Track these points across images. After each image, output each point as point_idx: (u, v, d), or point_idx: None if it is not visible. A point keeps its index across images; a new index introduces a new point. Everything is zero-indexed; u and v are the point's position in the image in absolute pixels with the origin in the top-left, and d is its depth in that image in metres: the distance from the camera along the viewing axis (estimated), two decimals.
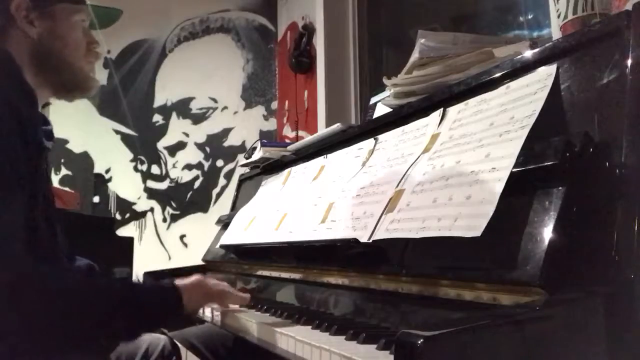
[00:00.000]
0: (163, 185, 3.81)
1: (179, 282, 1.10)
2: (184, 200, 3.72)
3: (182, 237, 3.68)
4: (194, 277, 1.14)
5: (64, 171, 3.98)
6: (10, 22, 1.08)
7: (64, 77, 1.14)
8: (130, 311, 0.98)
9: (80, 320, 0.92)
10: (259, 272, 1.52)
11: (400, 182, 1.01)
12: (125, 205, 3.86)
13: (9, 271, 0.85)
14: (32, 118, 1.03)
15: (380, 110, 1.59)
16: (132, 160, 3.89)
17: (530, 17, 1.94)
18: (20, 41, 1.08)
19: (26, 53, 1.09)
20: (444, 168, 0.92)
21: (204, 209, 3.63)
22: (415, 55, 1.23)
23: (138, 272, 1.57)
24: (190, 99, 3.77)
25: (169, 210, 3.76)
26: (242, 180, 2.14)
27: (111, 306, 0.96)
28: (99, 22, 1.27)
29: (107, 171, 3.93)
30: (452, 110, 1.03)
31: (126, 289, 1.04)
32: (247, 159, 1.98)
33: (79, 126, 3.89)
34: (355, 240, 0.99)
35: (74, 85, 1.17)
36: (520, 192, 0.76)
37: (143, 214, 3.82)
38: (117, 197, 3.89)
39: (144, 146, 3.87)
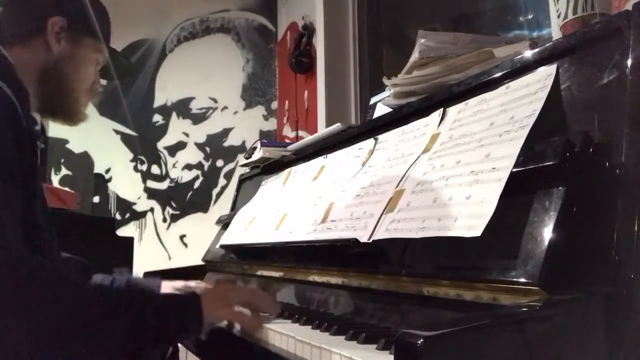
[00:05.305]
0: (163, 185, 3.80)
1: (199, 288, 1.06)
2: (184, 200, 3.72)
3: (182, 237, 3.68)
4: (216, 284, 1.10)
5: (64, 171, 3.98)
6: (40, 31, 1.11)
7: (58, 100, 1.17)
8: (141, 324, 0.90)
9: (84, 323, 0.86)
10: (259, 272, 1.51)
11: (400, 182, 1.01)
12: (125, 205, 3.86)
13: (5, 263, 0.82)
14: (26, 115, 1.02)
15: (380, 110, 1.59)
16: (132, 160, 3.89)
17: (530, 17, 1.94)
18: (39, 51, 1.11)
19: (39, 63, 1.11)
20: (444, 168, 0.92)
21: (204, 209, 3.63)
22: (415, 55, 1.23)
23: (138, 272, 1.57)
24: (190, 99, 3.76)
25: (169, 210, 3.76)
26: (242, 180, 2.14)
27: (117, 313, 0.89)
28: (114, 70, 1.33)
29: (107, 171, 3.93)
30: (452, 110, 1.03)
31: (138, 298, 0.95)
32: (247, 159, 1.98)
33: (79, 126, 3.88)
34: (355, 240, 0.99)
35: (63, 111, 1.20)
36: (520, 192, 0.76)
37: (143, 214, 3.82)
38: (117, 197, 3.88)
39: (144, 146, 3.86)
